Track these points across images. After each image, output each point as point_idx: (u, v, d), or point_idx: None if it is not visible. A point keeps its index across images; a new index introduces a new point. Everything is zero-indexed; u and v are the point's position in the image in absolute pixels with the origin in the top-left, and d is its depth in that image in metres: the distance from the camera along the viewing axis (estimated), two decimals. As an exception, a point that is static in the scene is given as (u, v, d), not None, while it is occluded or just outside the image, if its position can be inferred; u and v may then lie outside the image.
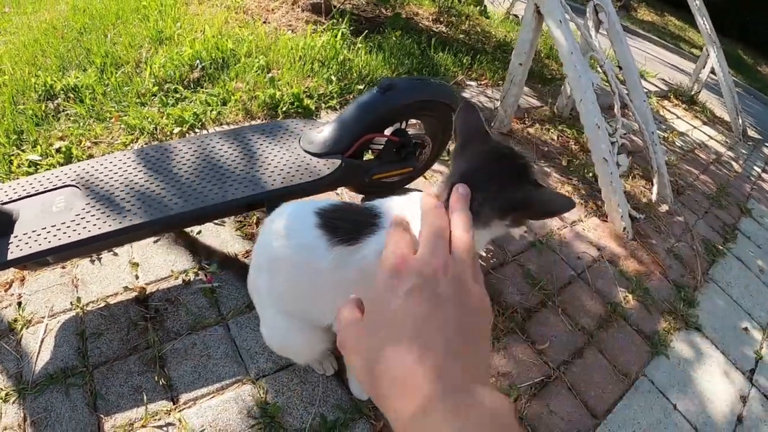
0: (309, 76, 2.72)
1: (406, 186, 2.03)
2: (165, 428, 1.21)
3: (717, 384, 1.77)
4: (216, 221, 1.77)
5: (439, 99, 1.71)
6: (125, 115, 2.21)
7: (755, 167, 4.13)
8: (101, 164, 1.51)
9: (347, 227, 0.97)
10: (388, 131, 1.75)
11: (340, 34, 3.08)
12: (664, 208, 2.73)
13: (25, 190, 1.41)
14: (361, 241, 0.94)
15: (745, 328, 2.11)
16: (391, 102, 1.60)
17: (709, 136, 4.30)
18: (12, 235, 1.26)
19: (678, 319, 1.97)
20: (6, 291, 1.49)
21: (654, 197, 2.73)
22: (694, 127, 4.35)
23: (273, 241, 1.06)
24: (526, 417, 1.42)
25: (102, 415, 1.21)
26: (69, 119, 2.21)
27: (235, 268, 1.50)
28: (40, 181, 1.44)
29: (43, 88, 2.39)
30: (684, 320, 1.98)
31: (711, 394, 1.72)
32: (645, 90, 2.82)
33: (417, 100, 1.66)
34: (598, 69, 2.65)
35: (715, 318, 2.08)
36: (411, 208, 0.90)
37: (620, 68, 2.78)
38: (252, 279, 1.20)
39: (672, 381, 1.71)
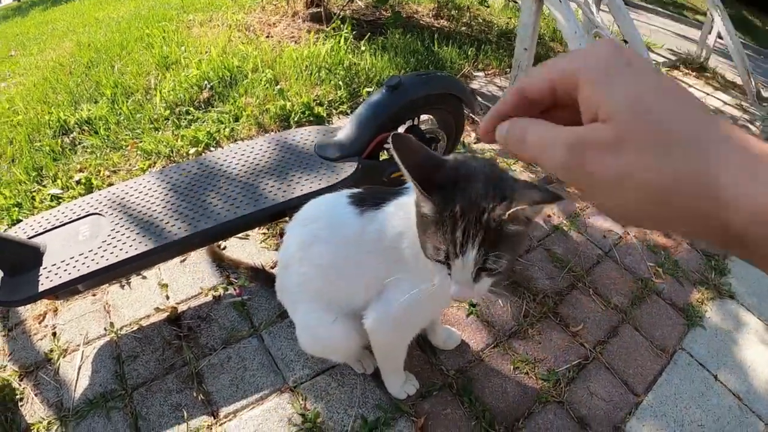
0: (317, 84, 2.74)
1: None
2: (208, 443, 1.22)
3: (757, 351, 1.72)
4: (240, 236, 1.79)
5: (448, 91, 1.72)
6: (140, 142, 2.24)
7: (773, 127, 4.01)
8: (122, 190, 1.54)
9: (375, 197, 1.03)
10: (401, 129, 1.76)
11: (342, 39, 3.09)
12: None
13: (50, 222, 1.44)
14: (385, 203, 1.00)
15: (782, 292, 2.04)
16: (399, 99, 1.61)
17: (723, 101, 4.20)
18: (41, 267, 1.30)
19: (711, 289, 1.93)
20: (40, 323, 1.52)
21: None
22: (707, 94, 4.26)
23: (304, 227, 1.11)
24: (567, 401, 1.40)
25: (145, 436, 1.23)
26: (86, 151, 2.26)
27: (264, 279, 1.52)
28: (63, 212, 1.47)
29: (57, 123, 2.44)
30: (717, 289, 1.94)
31: (752, 362, 1.68)
32: (654, 62, 2.77)
33: (425, 95, 1.66)
34: (604, 45, 2.61)
35: (748, 284, 2.02)
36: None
37: (626, 42, 2.74)
38: (279, 280, 1.22)
39: (711, 352, 1.67)
